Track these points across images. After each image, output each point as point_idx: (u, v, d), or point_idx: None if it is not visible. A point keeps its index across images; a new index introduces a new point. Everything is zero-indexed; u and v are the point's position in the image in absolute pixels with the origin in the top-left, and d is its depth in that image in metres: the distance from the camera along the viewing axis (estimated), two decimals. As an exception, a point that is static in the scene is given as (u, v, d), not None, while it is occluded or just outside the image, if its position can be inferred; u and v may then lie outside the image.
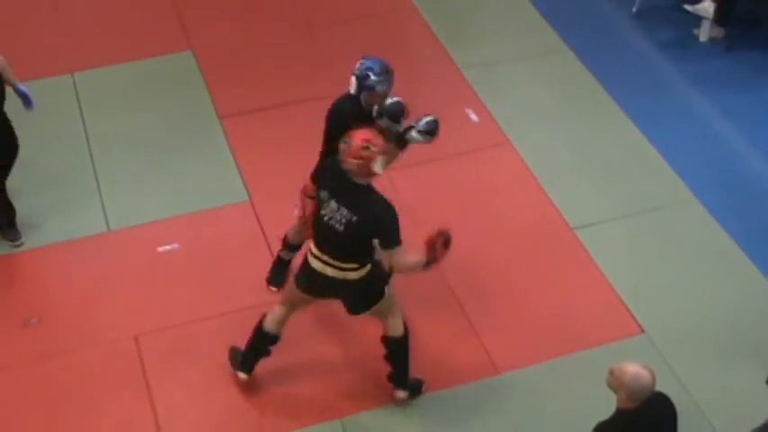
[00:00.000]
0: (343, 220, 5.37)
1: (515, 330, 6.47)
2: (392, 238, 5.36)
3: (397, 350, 5.91)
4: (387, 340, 5.89)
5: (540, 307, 6.61)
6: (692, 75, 8.55)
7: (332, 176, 5.47)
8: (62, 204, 7.27)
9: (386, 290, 5.72)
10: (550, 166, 7.63)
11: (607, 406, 4.78)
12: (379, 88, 5.86)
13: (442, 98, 8.20)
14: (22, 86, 6.61)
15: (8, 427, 5.90)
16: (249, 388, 6.03)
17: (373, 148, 5.31)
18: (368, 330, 6.31)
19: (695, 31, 8.93)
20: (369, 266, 5.59)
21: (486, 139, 7.86)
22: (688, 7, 8.84)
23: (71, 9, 9.02)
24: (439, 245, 5.26)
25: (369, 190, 5.42)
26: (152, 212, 7.24)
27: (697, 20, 8.86)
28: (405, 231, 6.83)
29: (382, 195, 5.43)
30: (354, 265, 5.53)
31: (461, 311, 6.57)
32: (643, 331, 6.45)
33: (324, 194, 5.47)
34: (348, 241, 5.44)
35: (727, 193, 7.42)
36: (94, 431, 5.90)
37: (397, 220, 5.38)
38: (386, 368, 6.00)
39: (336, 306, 5.92)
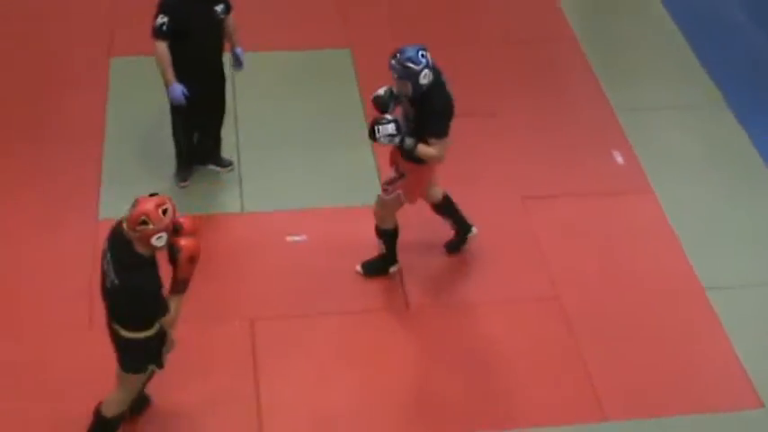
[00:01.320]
0: (110, 280, 5.04)
1: (629, 379, 6.32)
2: (134, 321, 5.11)
3: (96, 427, 5.53)
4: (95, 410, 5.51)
5: (658, 361, 6.44)
6: None
7: (114, 234, 5.04)
8: (202, 180, 7.44)
9: (148, 368, 5.34)
10: (690, 220, 7.43)
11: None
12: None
13: (591, 135, 8.11)
14: (239, 50, 7.11)
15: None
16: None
17: (151, 226, 4.82)
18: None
19: None
20: (145, 333, 5.16)
21: (628, 183, 7.72)
22: None
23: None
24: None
25: (140, 262, 4.95)
26: (286, 201, 7.33)
27: None
28: (528, 263, 6.85)
29: (146, 276, 4.97)
30: (121, 325, 5.18)
31: (576, 351, 6.44)
32: (763, 406, 6.22)
33: (105, 246, 5.07)
34: (111, 301, 5.14)
35: None
36: (196, 396, 5.97)
37: (142, 306, 5.04)
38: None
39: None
